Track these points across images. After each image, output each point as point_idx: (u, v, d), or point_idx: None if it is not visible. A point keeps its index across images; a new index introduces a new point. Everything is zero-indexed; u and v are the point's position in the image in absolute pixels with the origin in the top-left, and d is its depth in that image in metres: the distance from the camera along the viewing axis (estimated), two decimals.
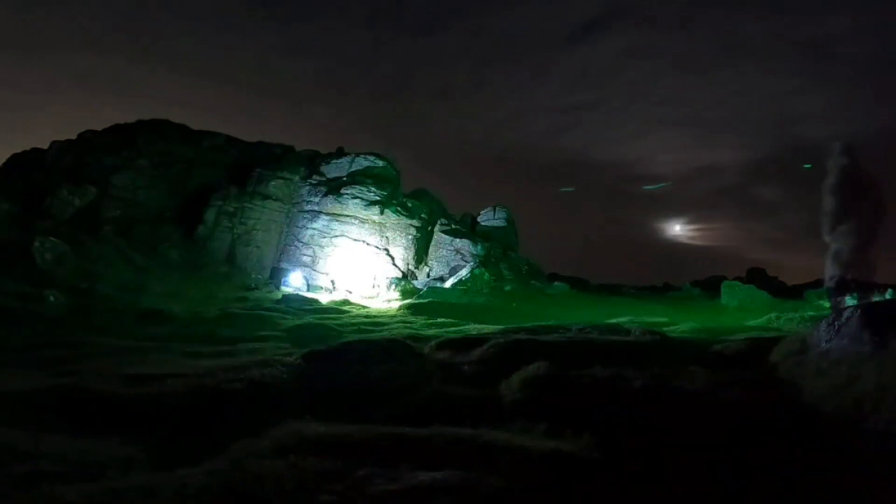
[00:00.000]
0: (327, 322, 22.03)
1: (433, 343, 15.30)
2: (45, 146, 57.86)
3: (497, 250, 51.45)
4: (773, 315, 22.03)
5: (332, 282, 48.63)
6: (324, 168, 57.53)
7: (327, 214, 52.72)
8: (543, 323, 20.59)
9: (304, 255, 51.61)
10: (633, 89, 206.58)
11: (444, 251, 50.81)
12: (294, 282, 47.95)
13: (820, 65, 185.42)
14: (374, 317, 27.93)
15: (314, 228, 52.39)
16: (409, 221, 52.97)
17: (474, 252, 49.68)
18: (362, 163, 57.99)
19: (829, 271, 30.45)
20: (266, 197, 54.15)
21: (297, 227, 53.03)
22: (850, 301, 28.56)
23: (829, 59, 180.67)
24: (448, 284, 43.54)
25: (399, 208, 53.58)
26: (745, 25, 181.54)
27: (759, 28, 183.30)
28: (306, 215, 53.29)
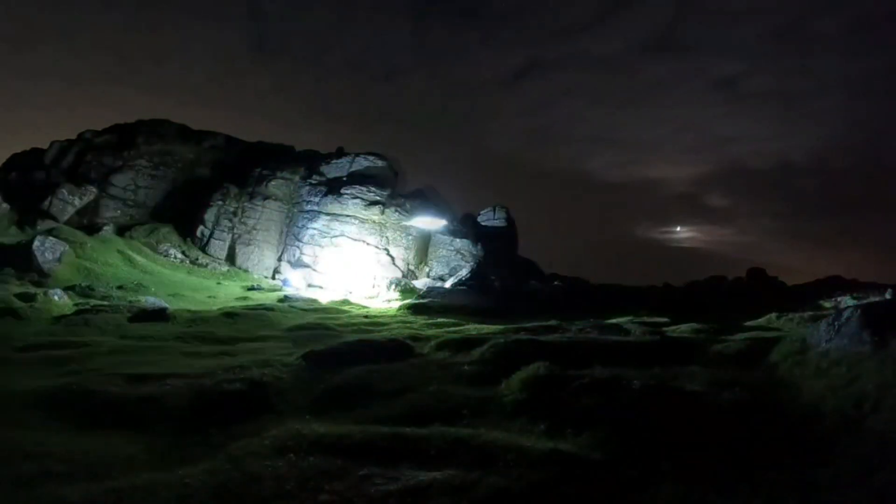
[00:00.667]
0: (327, 322, 22.04)
1: (433, 343, 15.31)
2: (45, 146, 57.95)
3: (497, 250, 51.48)
4: (773, 315, 22.01)
5: (332, 282, 48.66)
6: (324, 168, 57.56)
7: (327, 214, 52.72)
8: (543, 323, 20.60)
9: (305, 255, 51.62)
10: (570, 119, 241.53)
11: (444, 251, 50.84)
12: (294, 282, 47.98)
13: (732, 97, 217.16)
14: (374, 317, 27.93)
15: (314, 228, 52.40)
16: (409, 221, 52.95)
17: (474, 252, 49.70)
18: (362, 163, 58.03)
19: None
20: (266, 197, 54.20)
21: (297, 227, 53.06)
22: (849, 301, 28.59)
23: (738, 93, 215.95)
24: (448, 284, 43.55)
25: (399, 208, 53.58)
26: (654, 68, 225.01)
27: (666, 70, 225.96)
28: (306, 215, 53.31)
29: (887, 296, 29.91)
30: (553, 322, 20.79)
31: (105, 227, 46.26)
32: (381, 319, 26.12)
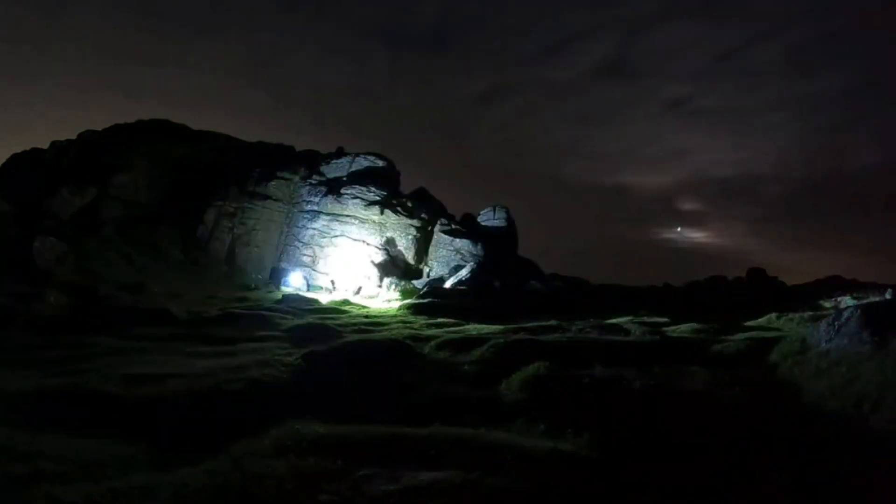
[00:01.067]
0: (327, 322, 22.02)
1: (433, 343, 15.31)
2: (45, 146, 57.94)
3: (497, 250, 51.43)
4: (773, 315, 22.02)
5: (332, 282, 48.65)
6: (324, 168, 57.56)
7: (327, 214, 52.70)
8: (543, 323, 20.60)
9: (304, 255, 51.61)
10: (540, 132, 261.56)
11: (444, 251, 50.79)
12: (294, 282, 47.98)
13: (684, 114, 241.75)
14: (374, 317, 27.93)
15: (314, 228, 52.38)
16: (409, 221, 52.94)
17: (474, 252, 49.68)
18: (362, 163, 58.01)
19: None
20: (266, 197, 54.19)
21: (297, 227, 53.05)
22: (849, 301, 28.57)
23: (689, 110, 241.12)
24: (448, 284, 43.53)
25: (399, 208, 53.56)
26: (607, 92, 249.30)
27: (619, 93, 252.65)
28: (306, 215, 53.29)
29: (887, 296, 29.91)
30: (553, 322, 20.79)
31: (105, 228, 46.24)
32: (381, 319, 26.11)
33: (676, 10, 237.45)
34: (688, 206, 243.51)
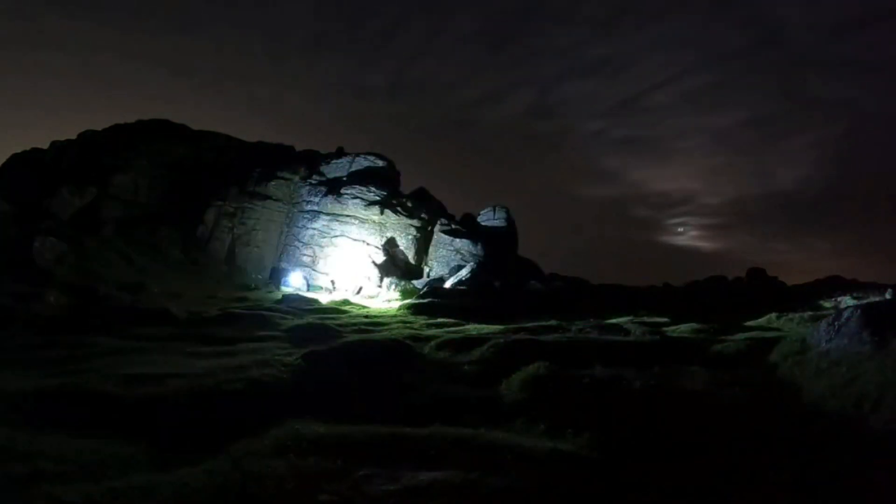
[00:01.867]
0: (327, 322, 22.01)
1: (433, 343, 15.31)
2: (45, 146, 57.95)
3: (497, 250, 51.42)
4: (773, 315, 22.02)
5: (332, 282, 48.64)
6: (324, 168, 57.57)
7: (327, 214, 52.69)
8: (543, 323, 20.59)
9: (304, 255, 51.61)
10: (495, 159, 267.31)
11: (444, 251, 50.78)
12: (294, 282, 47.96)
13: (605, 141, 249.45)
14: (375, 317, 27.92)
15: (314, 228, 52.37)
16: (409, 221, 52.94)
17: (474, 252, 49.66)
18: (362, 163, 58.02)
19: None
20: (266, 197, 54.19)
21: (297, 227, 53.04)
22: (849, 301, 28.58)
23: (608, 139, 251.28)
24: (448, 284, 43.51)
25: (399, 208, 53.55)
26: (538, 128, 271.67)
27: (547, 128, 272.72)
28: (306, 215, 53.29)
29: (887, 296, 29.91)
30: (553, 322, 20.79)
31: (105, 228, 46.24)
32: (381, 319, 26.10)
33: (573, 72, 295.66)
34: (640, 213, 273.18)
